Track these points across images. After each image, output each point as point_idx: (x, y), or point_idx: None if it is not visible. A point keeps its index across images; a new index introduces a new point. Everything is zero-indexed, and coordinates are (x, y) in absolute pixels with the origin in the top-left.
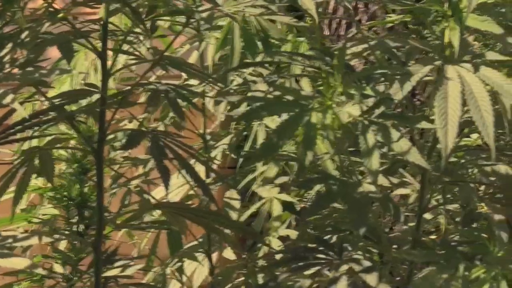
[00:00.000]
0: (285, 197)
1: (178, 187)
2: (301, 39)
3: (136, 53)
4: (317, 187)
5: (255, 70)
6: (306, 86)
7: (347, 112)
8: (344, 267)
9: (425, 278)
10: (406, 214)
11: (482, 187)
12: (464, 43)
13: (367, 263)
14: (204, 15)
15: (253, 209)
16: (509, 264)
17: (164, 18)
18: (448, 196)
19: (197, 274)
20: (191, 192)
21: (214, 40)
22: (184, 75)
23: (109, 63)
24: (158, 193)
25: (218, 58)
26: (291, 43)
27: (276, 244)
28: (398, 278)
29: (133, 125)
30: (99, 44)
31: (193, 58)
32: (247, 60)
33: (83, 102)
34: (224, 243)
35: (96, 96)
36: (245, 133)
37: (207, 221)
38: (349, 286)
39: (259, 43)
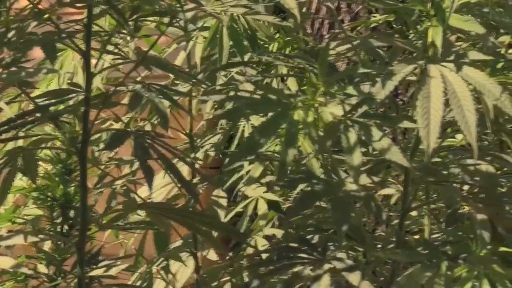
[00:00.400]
0: (271, 196)
1: (163, 186)
2: (289, 38)
3: (121, 53)
4: (301, 186)
5: (241, 70)
6: (292, 86)
7: (330, 111)
8: (327, 266)
9: (409, 277)
10: (390, 214)
11: (465, 187)
12: (447, 42)
13: (350, 263)
14: (188, 15)
15: (239, 208)
16: (491, 263)
17: (148, 18)
18: (434, 196)
19: (180, 274)
20: (178, 191)
21: (202, 40)
22: (172, 75)
23: (94, 62)
24: (143, 192)
25: (205, 58)
26: (278, 43)
27: (262, 243)
28: (381, 278)
29: (120, 125)
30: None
31: (180, 58)
32: (233, 60)
33: (71, 102)
34: (207, 244)
35: (81, 96)
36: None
37: (191, 222)
38: (332, 286)
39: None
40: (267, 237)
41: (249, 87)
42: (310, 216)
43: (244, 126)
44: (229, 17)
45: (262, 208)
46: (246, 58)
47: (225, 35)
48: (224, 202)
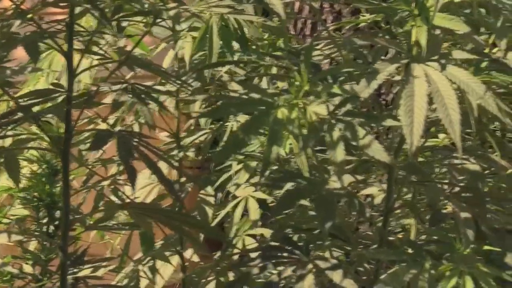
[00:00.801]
0: (260, 195)
1: (144, 187)
2: (274, 38)
3: (104, 53)
4: (288, 185)
5: (229, 69)
6: (281, 86)
7: (313, 110)
8: (311, 266)
9: (393, 275)
10: (373, 213)
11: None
12: (431, 42)
13: (333, 262)
14: (171, 14)
15: (228, 208)
16: (475, 262)
17: (131, 18)
18: (419, 197)
19: (162, 271)
20: (164, 191)
21: (191, 39)
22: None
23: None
24: (129, 191)
25: (193, 58)
26: (267, 43)
27: (249, 242)
28: (364, 278)
29: (105, 125)
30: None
31: (168, 58)
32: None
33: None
34: (187, 244)
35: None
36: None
37: (175, 223)
38: (316, 286)
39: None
40: (251, 236)
41: (236, 86)
42: (293, 215)
43: (232, 126)
44: (219, 17)
45: (253, 207)
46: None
47: (215, 34)
48: (211, 199)
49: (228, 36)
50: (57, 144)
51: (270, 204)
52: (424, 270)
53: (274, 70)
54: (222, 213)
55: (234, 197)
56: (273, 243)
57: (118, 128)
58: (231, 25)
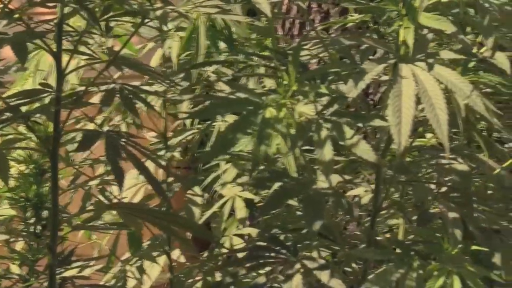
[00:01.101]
0: (247, 194)
1: (130, 187)
2: (261, 38)
3: (92, 53)
4: (276, 185)
5: (217, 69)
6: (269, 86)
7: (301, 110)
8: (299, 266)
9: (380, 275)
10: (361, 213)
11: (435, 186)
12: (418, 42)
13: (321, 262)
14: (158, 14)
15: (215, 207)
16: (463, 262)
17: (119, 18)
18: (406, 197)
19: (149, 271)
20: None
21: (178, 39)
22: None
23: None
24: (116, 191)
25: (180, 57)
26: (255, 42)
27: (237, 242)
28: (352, 277)
29: (93, 125)
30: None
31: (156, 58)
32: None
33: (42, 102)
34: (175, 244)
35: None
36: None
37: (163, 222)
38: (304, 286)
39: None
40: (239, 236)
41: (224, 86)
42: (280, 215)
43: (220, 126)
44: (207, 17)
45: (240, 206)
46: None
47: (202, 34)
48: (199, 199)
49: (215, 36)
50: (46, 144)
51: (258, 204)
52: (412, 270)
53: (261, 70)
54: (208, 213)
55: (221, 196)
56: (260, 243)
57: (105, 128)
58: (218, 25)
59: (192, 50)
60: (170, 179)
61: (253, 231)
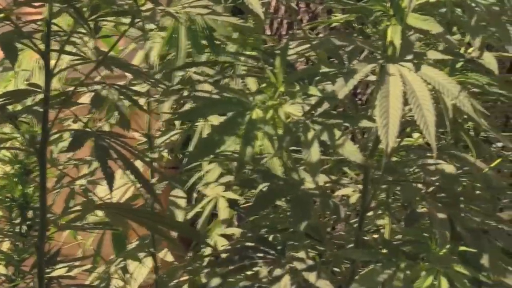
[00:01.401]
0: (230, 195)
1: (121, 186)
2: (246, 38)
3: (80, 53)
4: (261, 186)
5: (199, 69)
6: (252, 86)
7: (289, 111)
8: (287, 266)
9: (368, 275)
10: (348, 213)
11: (423, 186)
12: (406, 42)
13: (309, 262)
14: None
15: (198, 207)
16: (450, 262)
17: (108, 18)
18: (394, 197)
19: (137, 273)
20: (136, 192)
21: (160, 40)
22: (129, 75)
23: (53, 62)
24: (100, 192)
25: (163, 57)
26: (237, 42)
27: (221, 243)
28: (339, 277)
29: (78, 125)
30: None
31: (138, 58)
32: (191, 59)
33: (28, 102)
34: (163, 244)
35: (40, 96)
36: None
37: (150, 222)
38: (292, 286)
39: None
40: (226, 237)
41: (208, 87)
42: (268, 216)
43: (203, 126)
44: (186, 17)
45: (222, 207)
46: (203, 58)
47: (183, 34)
48: (182, 202)
49: (196, 36)
50: (32, 144)
51: (243, 205)
52: (400, 270)
53: (243, 70)
54: (191, 213)
55: (204, 197)
56: (248, 244)
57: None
58: (199, 25)
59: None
60: (154, 179)
61: (237, 231)
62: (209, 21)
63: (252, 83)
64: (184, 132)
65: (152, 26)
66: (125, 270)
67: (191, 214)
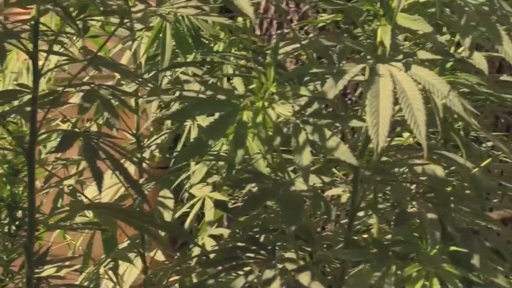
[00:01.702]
0: (217, 195)
1: (111, 186)
2: (234, 38)
3: (68, 53)
4: (249, 186)
5: (187, 69)
6: (239, 86)
7: (279, 111)
8: (277, 267)
9: (358, 276)
10: (338, 213)
11: (414, 186)
12: (395, 42)
13: (300, 263)
14: (138, 15)
15: (185, 208)
16: (441, 262)
17: (96, 18)
18: (380, 195)
19: (127, 274)
20: (125, 192)
21: (147, 39)
22: (117, 75)
23: (41, 63)
24: (90, 192)
25: (150, 57)
26: (224, 42)
27: (209, 243)
28: (329, 277)
29: (67, 125)
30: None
31: (125, 58)
32: (179, 59)
33: (15, 102)
34: (153, 244)
35: (28, 96)
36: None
37: (139, 222)
38: (282, 286)
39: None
40: (214, 237)
41: (196, 87)
42: (258, 216)
43: (190, 126)
44: (172, 17)
45: (208, 207)
46: (190, 57)
47: (168, 34)
48: (170, 202)
49: (181, 35)
50: (21, 143)
51: (232, 205)
52: (390, 271)
53: (230, 70)
54: (178, 213)
55: (192, 196)
56: (239, 244)
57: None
58: (185, 25)
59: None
60: (142, 179)
61: (224, 232)
62: (196, 20)
63: (238, 83)
64: (173, 132)
65: (140, 26)
66: (115, 270)
67: (178, 214)
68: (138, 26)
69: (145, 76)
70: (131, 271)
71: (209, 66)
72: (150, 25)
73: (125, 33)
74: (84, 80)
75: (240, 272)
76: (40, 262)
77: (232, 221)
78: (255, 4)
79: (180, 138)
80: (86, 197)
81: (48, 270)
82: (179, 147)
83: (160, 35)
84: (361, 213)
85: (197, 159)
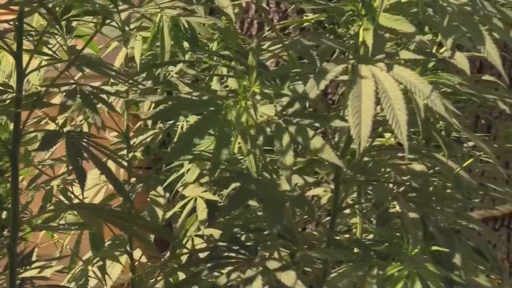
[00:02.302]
0: (209, 195)
1: (104, 184)
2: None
3: (53, 53)
4: (233, 185)
5: (180, 70)
6: (233, 86)
7: (262, 111)
8: (259, 266)
9: (340, 275)
10: (319, 213)
11: (395, 186)
12: (378, 42)
13: (282, 262)
14: (122, 15)
15: (177, 207)
16: (423, 262)
17: (80, 18)
18: (362, 195)
19: (110, 270)
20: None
21: (141, 39)
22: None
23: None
24: (78, 191)
25: (142, 57)
26: (217, 43)
27: (198, 242)
28: (311, 277)
29: (55, 125)
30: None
31: (120, 57)
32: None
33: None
34: (135, 245)
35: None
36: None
37: (124, 223)
38: (265, 286)
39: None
40: (202, 237)
41: (186, 87)
42: (241, 215)
43: (182, 126)
44: (170, 17)
45: (201, 207)
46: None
47: (166, 34)
48: (162, 201)
49: (179, 36)
50: (5, 144)
51: (219, 205)
52: (372, 270)
53: (224, 70)
54: (169, 213)
55: (183, 197)
56: (221, 243)
57: (67, 128)
58: (182, 25)
59: (154, 50)
60: (133, 179)
61: (215, 232)
62: (192, 22)
63: (232, 83)
64: (163, 132)
65: (132, 25)
66: (102, 269)
67: (169, 214)
68: (131, 25)
69: (141, 75)
70: (113, 269)
71: (203, 67)
72: (143, 25)
73: (118, 33)
74: (75, 79)
75: (223, 271)
76: (24, 263)
77: (214, 220)
78: (239, 4)
79: (168, 138)
80: (76, 196)
81: (33, 271)
82: (169, 147)
83: (159, 36)
84: (343, 213)
85: (185, 159)
